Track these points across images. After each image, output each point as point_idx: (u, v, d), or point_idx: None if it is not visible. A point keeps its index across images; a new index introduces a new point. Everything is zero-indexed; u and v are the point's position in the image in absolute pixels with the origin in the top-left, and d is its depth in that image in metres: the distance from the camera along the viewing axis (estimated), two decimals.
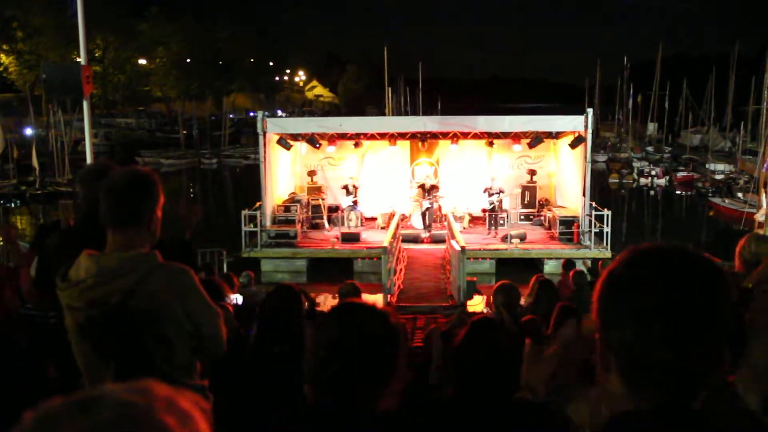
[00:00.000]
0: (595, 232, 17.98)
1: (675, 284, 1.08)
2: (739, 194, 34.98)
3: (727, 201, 34.58)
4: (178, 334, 2.32)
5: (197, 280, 2.40)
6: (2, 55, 55.63)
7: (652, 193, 45.27)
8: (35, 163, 37.91)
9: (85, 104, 10.96)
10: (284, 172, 20.54)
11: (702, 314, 1.07)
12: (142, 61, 69.02)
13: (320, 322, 1.74)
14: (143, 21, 68.66)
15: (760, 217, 21.94)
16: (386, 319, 1.70)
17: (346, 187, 19.62)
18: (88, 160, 11.17)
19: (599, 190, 34.73)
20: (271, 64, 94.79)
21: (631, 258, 1.15)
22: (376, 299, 13.80)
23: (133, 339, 2.22)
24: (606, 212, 17.86)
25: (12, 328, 3.58)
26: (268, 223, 18.54)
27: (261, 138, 18.42)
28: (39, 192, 37.22)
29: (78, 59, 11.17)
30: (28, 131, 46.28)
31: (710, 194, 38.96)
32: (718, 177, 43.66)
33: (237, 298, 6.40)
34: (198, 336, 2.39)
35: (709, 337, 1.07)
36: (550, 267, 17.12)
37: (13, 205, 37.01)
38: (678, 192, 44.60)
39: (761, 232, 12.29)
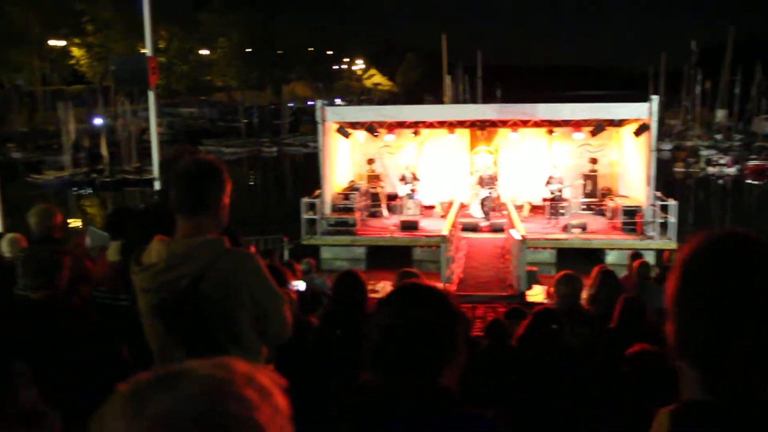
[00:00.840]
0: (660, 223, 17.52)
1: (752, 274, 1.06)
2: None
3: None
4: (245, 318, 2.38)
5: (263, 265, 2.45)
6: (74, 48, 57.53)
7: (720, 182, 43.74)
8: (104, 151, 39.29)
9: (151, 94, 11.29)
10: (343, 160, 20.68)
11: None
12: (204, 52, 70.34)
13: (379, 303, 1.76)
14: (205, 12, 69.94)
15: None
16: (445, 300, 1.70)
17: (403, 178, 19.66)
18: (154, 148, 11.50)
19: (664, 179, 33.71)
20: (329, 52, 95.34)
21: (705, 247, 1.13)
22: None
23: (203, 321, 2.29)
24: (671, 202, 17.40)
25: (87, 310, 3.72)
26: (327, 210, 18.71)
27: (320, 127, 18.58)
28: (108, 179, 38.50)
29: (144, 51, 11.48)
30: (98, 121, 47.84)
31: None
32: None
33: (299, 285, 6.50)
34: (264, 320, 2.45)
35: None
36: (612, 257, 16.79)
37: (84, 192, 38.40)
38: (748, 181, 42.96)
39: None
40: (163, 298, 2.29)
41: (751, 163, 45.36)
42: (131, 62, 11.31)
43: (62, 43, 55.91)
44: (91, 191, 38.37)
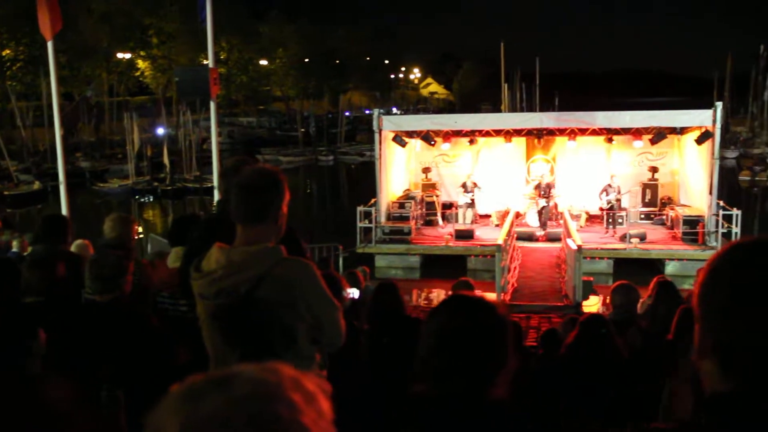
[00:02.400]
0: (723, 233, 17.01)
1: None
2: None
3: None
4: (300, 325, 2.45)
5: (319, 274, 2.52)
6: (140, 61, 59.43)
7: None
8: (166, 160, 40.40)
9: (212, 104, 11.60)
10: (399, 168, 20.76)
11: None
12: (263, 62, 71.64)
13: (431, 312, 1.81)
14: (264, 23, 71.28)
15: None
16: (494, 310, 1.74)
17: (464, 185, 19.62)
18: (214, 157, 11.79)
19: (728, 188, 32.73)
20: (386, 62, 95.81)
21: (734, 250, 1.16)
22: (490, 297, 13.72)
23: (258, 328, 2.37)
24: (735, 211, 16.88)
25: (149, 315, 3.87)
26: (382, 219, 18.80)
27: (377, 135, 18.69)
28: (169, 188, 39.55)
29: (206, 62, 11.80)
30: (160, 131, 49.23)
31: None
32: None
33: (354, 293, 6.59)
34: (318, 327, 2.52)
35: None
36: (672, 268, 16.39)
37: (146, 200, 39.54)
38: None
39: None
40: (221, 305, 2.39)
41: None
42: (193, 73, 11.63)
43: (128, 55, 57.80)
44: (152, 199, 39.48)
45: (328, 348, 2.67)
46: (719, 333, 1.13)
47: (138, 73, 60.98)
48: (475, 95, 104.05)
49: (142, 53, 58.79)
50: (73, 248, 5.77)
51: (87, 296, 3.75)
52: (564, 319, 6.43)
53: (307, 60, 74.25)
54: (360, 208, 18.53)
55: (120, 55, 57.32)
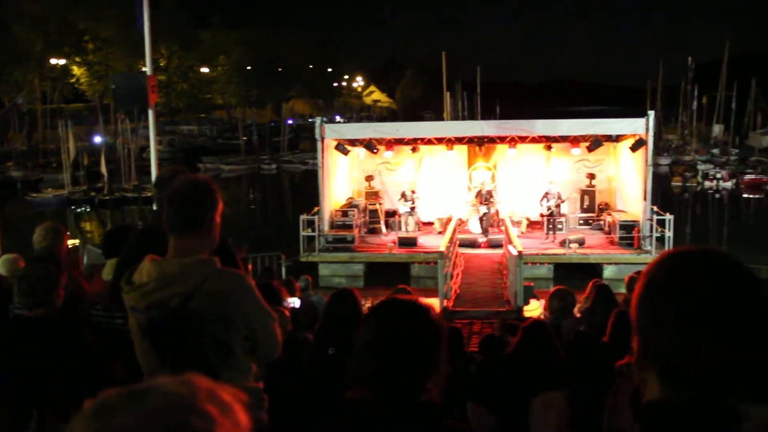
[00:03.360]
0: (657, 237, 17.57)
1: (712, 292, 1.11)
2: None
3: None
4: (235, 337, 2.41)
5: (253, 284, 2.50)
6: (75, 67, 57.83)
7: (717, 196, 43.85)
8: (104, 169, 39.32)
9: (151, 113, 11.36)
10: (342, 177, 20.75)
11: (739, 320, 1.10)
12: (204, 70, 70.70)
13: (363, 318, 1.81)
14: (206, 30, 70.37)
15: None
16: (427, 314, 1.74)
17: (403, 195, 19.75)
18: (153, 166, 11.55)
19: (662, 193, 33.82)
20: (329, 70, 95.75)
21: (667, 263, 1.18)
22: (433, 303, 13.80)
23: (192, 341, 2.33)
24: (668, 216, 17.45)
25: (82, 329, 3.76)
26: (326, 227, 18.75)
27: (319, 144, 18.68)
28: (107, 198, 38.53)
29: (144, 69, 11.56)
30: (98, 139, 47.98)
31: None
32: None
33: (294, 302, 6.54)
34: (254, 339, 2.49)
35: (747, 342, 1.10)
36: (610, 272, 16.81)
37: (83, 210, 38.43)
38: (745, 195, 43.05)
39: None
40: (153, 318, 2.34)
41: (747, 177, 45.53)
42: (131, 81, 11.36)
43: (63, 61, 56.18)
44: (89, 209, 38.41)
45: (264, 359, 2.64)
46: (656, 342, 1.15)
47: (73, 80, 59.36)
48: (417, 103, 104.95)
49: (77, 59, 57.23)
50: (1, 262, 5.57)
51: (16, 311, 3.62)
52: (498, 322, 6.52)
53: (249, 68, 73.61)
54: (303, 217, 18.45)
55: (54, 61, 55.67)
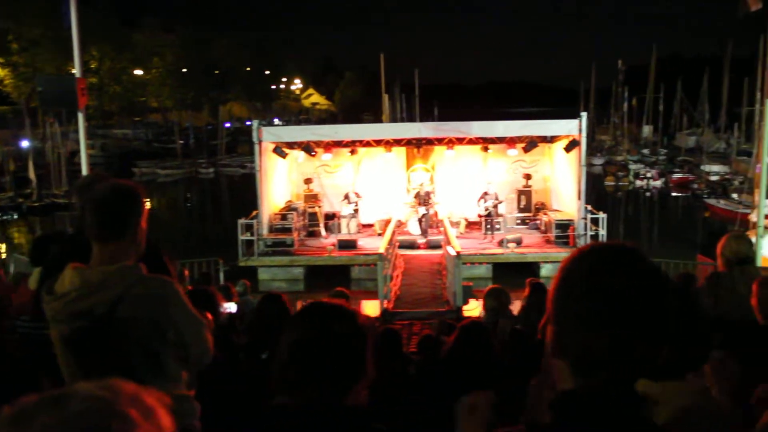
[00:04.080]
0: (591, 235, 18.03)
1: (622, 289, 1.15)
2: (734, 195, 35.07)
3: (722, 202, 34.66)
4: (163, 345, 2.35)
5: (181, 290, 2.44)
6: None
7: (648, 194, 45.40)
8: (32, 175, 37.96)
9: (80, 116, 10.99)
10: (280, 180, 20.60)
11: (646, 315, 1.15)
12: (138, 72, 69.09)
13: (288, 322, 1.79)
14: (138, 31, 68.80)
15: (754, 217, 21.97)
16: (353, 319, 1.74)
17: (347, 196, 19.72)
18: (84, 171, 11.20)
19: (595, 193, 34.79)
20: (267, 72, 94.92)
21: (580, 261, 1.22)
22: (373, 306, 13.85)
23: (117, 350, 2.26)
24: (601, 215, 17.93)
25: (6, 341, 3.61)
26: (264, 231, 18.59)
27: (257, 147, 18.52)
28: (36, 204, 37.20)
29: (73, 71, 11.19)
30: (25, 143, 46.27)
31: (706, 195, 39.05)
32: (714, 178, 43.80)
33: (231, 307, 6.43)
34: (183, 346, 2.43)
35: (652, 337, 1.16)
36: (547, 270, 17.16)
37: (10, 217, 37.00)
38: (674, 194, 44.68)
39: (753, 232, 12.40)
40: (76, 328, 2.26)
41: (675, 176, 47.31)
42: (58, 83, 10.96)
43: None
44: (17, 216, 37.00)
45: (196, 367, 2.58)
46: (569, 335, 1.19)
47: None
48: (356, 106, 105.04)
49: (0, 60, 55.10)
50: None
51: None
52: (436, 322, 6.57)
53: (185, 70, 72.31)
54: (241, 221, 18.24)
55: None
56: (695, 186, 43.90)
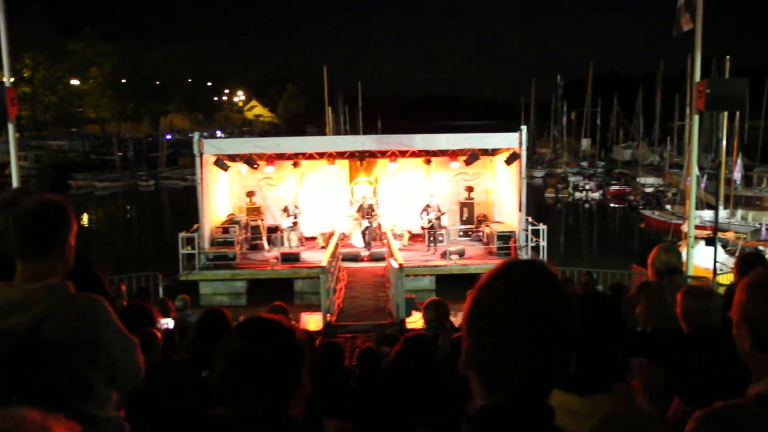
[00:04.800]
0: (532, 247, 18.35)
1: (530, 306, 1.19)
2: (668, 206, 36.25)
3: (656, 213, 35.78)
4: (91, 366, 2.28)
5: (110, 309, 2.37)
6: None
7: (586, 206, 46.57)
8: None
9: (10, 127, 10.65)
10: (222, 193, 20.35)
11: (554, 335, 1.18)
12: (75, 82, 67.34)
13: (226, 336, 1.79)
14: (76, 41, 67.14)
15: (686, 227, 22.74)
16: (289, 334, 1.75)
17: (286, 209, 19.60)
18: (14, 184, 10.83)
19: (536, 205, 35.51)
20: (209, 84, 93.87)
21: (493, 280, 1.25)
22: (316, 319, 13.77)
23: (41, 372, 2.18)
24: (542, 226, 18.27)
25: None
26: (206, 245, 18.32)
27: (198, 159, 18.28)
28: None
29: (3, 80, 10.83)
30: None
31: (641, 206, 40.26)
32: (648, 190, 45.24)
33: (168, 323, 6.31)
34: (113, 366, 2.36)
35: (556, 353, 1.19)
36: None
37: None
38: (611, 205, 45.95)
39: (685, 242, 12.91)
40: None
41: (613, 188, 48.68)
42: None
43: None
44: None
45: (126, 388, 2.51)
46: (477, 349, 1.21)
47: None
48: (300, 118, 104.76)
49: None
50: None
51: None
52: (375, 335, 6.59)
53: (124, 81, 70.85)
54: (182, 234, 17.92)
55: None
56: (631, 198, 45.23)
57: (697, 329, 3.41)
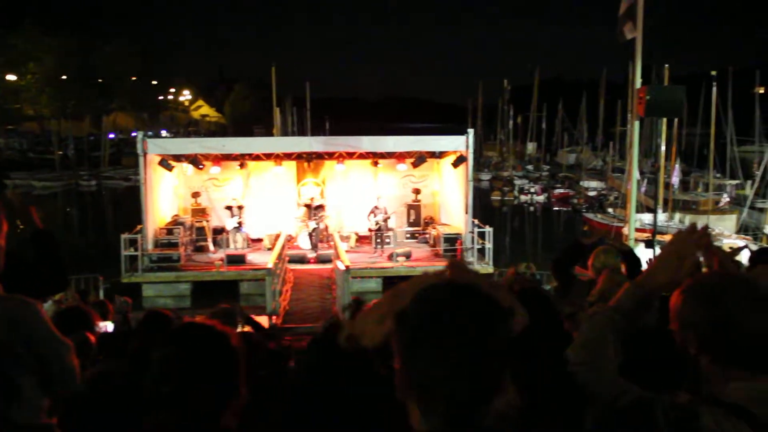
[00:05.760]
0: (478, 249, 18.55)
1: (454, 327, 1.17)
2: (610, 209, 37.15)
3: (599, 216, 36.62)
4: (19, 371, 2.21)
5: (42, 311, 2.30)
6: None
7: (531, 209, 47.36)
8: None
9: None
10: (167, 193, 19.99)
11: (479, 351, 1.16)
12: (11, 77, 65.14)
13: (158, 341, 1.74)
14: (17, 34, 64.91)
15: (626, 230, 23.31)
16: (224, 340, 1.71)
17: (229, 208, 19.37)
18: None
19: (482, 207, 35.90)
20: (154, 82, 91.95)
21: (418, 299, 1.23)
22: (262, 322, 13.63)
23: None
24: (488, 229, 18.49)
25: None
26: (149, 246, 17.97)
27: (141, 159, 17.94)
28: None
29: None
30: None
31: (584, 210, 41.19)
32: (591, 193, 46.29)
33: (107, 326, 6.15)
34: (46, 372, 2.29)
35: (487, 371, 1.17)
36: None
37: None
38: (555, 208, 46.87)
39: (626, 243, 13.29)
40: None
41: (557, 191, 49.67)
42: None
43: None
44: None
45: (60, 393, 2.44)
46: (411, 373, 1.19)
47: None
48: (248, 118, 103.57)
49: None
50: None
51: None
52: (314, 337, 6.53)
53: (65, 77, 68.82)
54: (124, 236, 17.53)
55: None
56: (575, 201, 46.20)
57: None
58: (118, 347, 6.19)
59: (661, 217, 28.81)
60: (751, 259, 4.85)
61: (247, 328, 6.60)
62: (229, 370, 1.69)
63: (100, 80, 74.93)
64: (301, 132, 61.36)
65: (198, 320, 1.88)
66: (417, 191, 21.19)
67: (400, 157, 20.13)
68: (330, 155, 19.98)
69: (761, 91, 40.98)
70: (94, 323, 5.53)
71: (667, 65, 35.39)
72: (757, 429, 1.49)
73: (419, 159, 19.51)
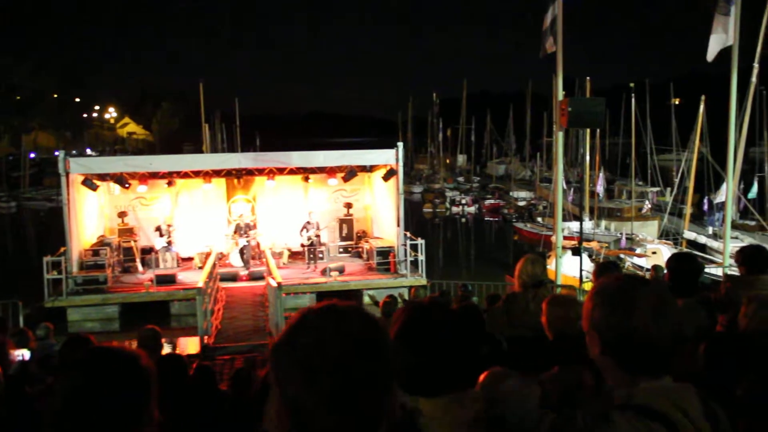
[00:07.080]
0: (411, 261, 18.67)
1: (332, 349, 1.15)
2: (539, 219, 38.06)
3: (528, 225, 37.48)
4: None
5: None
6: None
7: (463, 220, 48.06)
8: None
9: None
10: (92, 214, 19.40)
11: (359, 373, 1.15)
12: None
13: (63, 367, 1.67)
14: None
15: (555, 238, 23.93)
16: (131, 364, 1.66)
17: (159, 229, 18.96)
18: None
19: (415, 220, 36.25)
20: (77, 99, 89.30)
21: (296, 321, 1.22)
22: (194, 342, 13.37)
23: None
24: (420, 241, 18.64)
25: None
26: (74, 269, 17.37)
27: (63, 179, 17.38)
28: None
29: None
30: None
31: (514, 219, 42.07)
32: (521, 204, 47.36)
33: (24, 354, 5.91)
34: None
35: (368, 393, 1.15)
36: (369, 298, 17.49)
37: None
38: (486, 219, 47.69)
39: (554, 252, 13.62)
40: None
41: (488, 202, 50.60)
42: None
43: None
44: None
45: None
46: (290, 404, 1.16)
47: None
48: (176, 136, 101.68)
49: None
50: None
51: None
52: (247, 357, 6.49)
53: None
54: (47, 258, 16.88)
55: None
56: (505, 211, 47.13)
57: (559, 336, 3.58)
58: (41, 374, 5.96)
59: (588, 225, 29.69)
60: (595, 274, 5.02)
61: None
62: (137, 395, 1.63)
63: (18, 98, 72.33)
64: (231, 149, 60.59)
65: (104, 345, 1.81)
66: (349, 205, 21.21)
67: (330, 171, 20.13)
68: (260, 171, 19.81)
69: (677, 102, 42.80)
70: (7, 352, 5.31)
71: (588, 77, 36.62)
72: (669, 428, 1.54)
73: (350, 173, 19.55)
